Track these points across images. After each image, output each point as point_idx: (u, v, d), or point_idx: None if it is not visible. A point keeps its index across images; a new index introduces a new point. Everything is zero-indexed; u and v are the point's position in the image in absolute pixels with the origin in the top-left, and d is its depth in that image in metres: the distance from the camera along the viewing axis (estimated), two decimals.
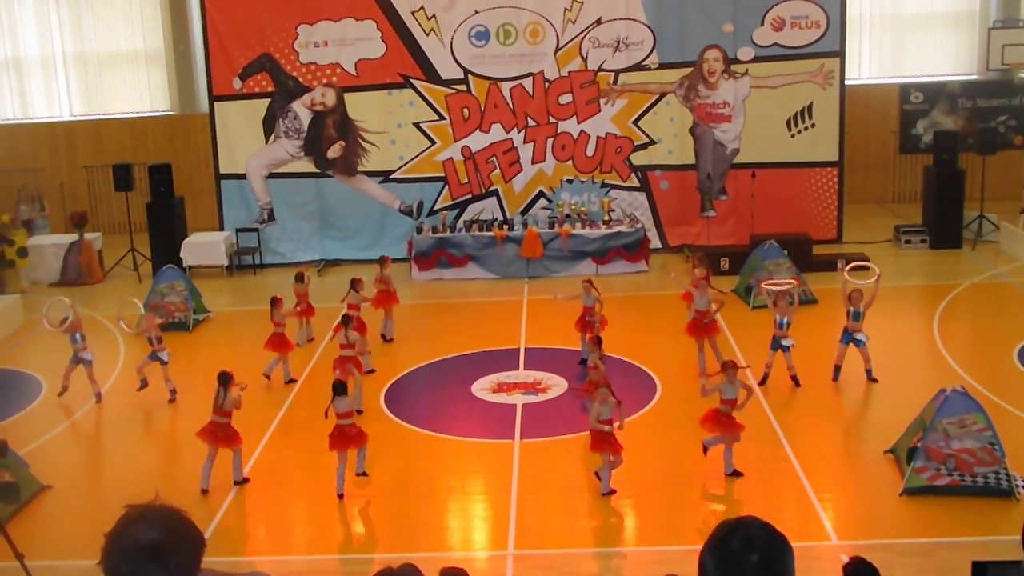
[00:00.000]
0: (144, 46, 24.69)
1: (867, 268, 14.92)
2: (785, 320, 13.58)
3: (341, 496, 11.10)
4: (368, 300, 15.45)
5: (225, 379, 11.44)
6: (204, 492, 11.32)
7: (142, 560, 2.96)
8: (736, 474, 11.13)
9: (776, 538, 3.05)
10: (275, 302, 14.69)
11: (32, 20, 24.66)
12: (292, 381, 14.60)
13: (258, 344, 14.65)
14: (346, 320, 13.63)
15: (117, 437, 13.68)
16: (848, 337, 13.61)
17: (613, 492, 10.88)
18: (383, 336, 16.14)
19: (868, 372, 13.65)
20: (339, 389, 11.32)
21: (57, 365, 14.61)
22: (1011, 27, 22.76)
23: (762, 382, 13.57)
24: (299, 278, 16.11)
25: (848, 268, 14.64)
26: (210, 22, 21.07)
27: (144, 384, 14.33)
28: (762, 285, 14.93)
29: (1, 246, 19.94)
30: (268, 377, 14.57)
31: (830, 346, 13.88)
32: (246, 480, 11.59)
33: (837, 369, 13.73)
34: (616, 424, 10.96)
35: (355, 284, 15.11)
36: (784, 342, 13.58)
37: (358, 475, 11.45)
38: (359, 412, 12.57)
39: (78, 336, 14.22)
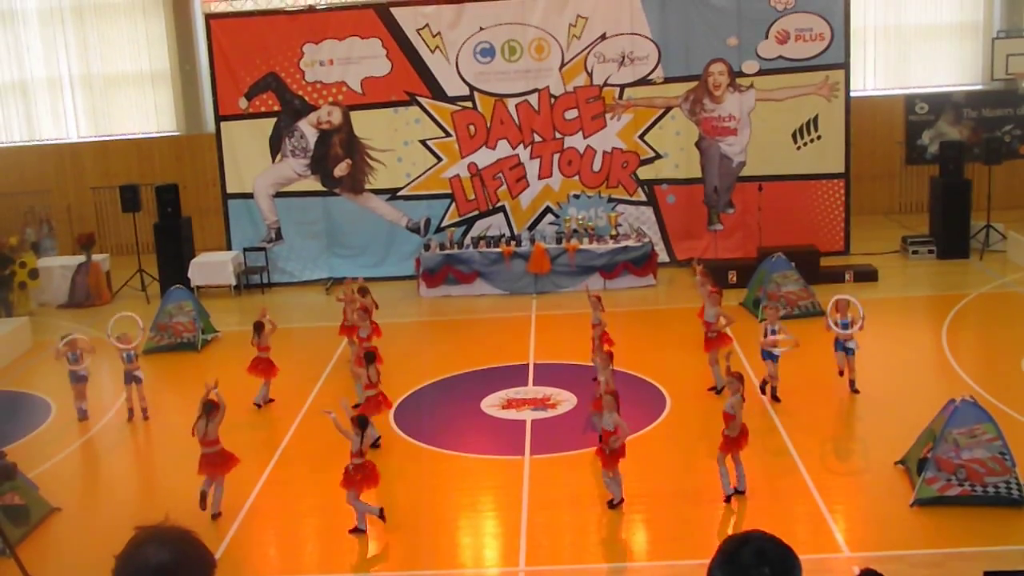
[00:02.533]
0: (150, 67, 24.81)
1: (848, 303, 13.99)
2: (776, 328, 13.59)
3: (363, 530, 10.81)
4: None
5: (210, 408, 11.18)
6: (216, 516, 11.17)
7: None
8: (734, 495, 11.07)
9: (786, 551, 3.06)
10: (258, 327, 14.55)
11: (38, 42, 24.78)
12: (271, 401, 14.52)
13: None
14: (370, 358, 13.07)
15: (127, 458, 13.71)
16: (840, 345, 13.69)
17: (622, 501, 10.87)
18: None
19: (851, 383, 13.68)
20: (363, 423, 10.85)
21: (67, 387, 14.63)
22: (1015, 37, 22.76)
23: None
24: (363, 292, 15.71)
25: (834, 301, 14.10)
26: (216, 42, 21.16)
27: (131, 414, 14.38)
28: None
29: (11, 268, 20.00)
30: (259, 406, 14.38)
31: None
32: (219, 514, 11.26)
33: (842, 373, 13.80)
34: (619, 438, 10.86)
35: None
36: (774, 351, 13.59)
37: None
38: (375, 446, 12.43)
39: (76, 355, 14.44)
